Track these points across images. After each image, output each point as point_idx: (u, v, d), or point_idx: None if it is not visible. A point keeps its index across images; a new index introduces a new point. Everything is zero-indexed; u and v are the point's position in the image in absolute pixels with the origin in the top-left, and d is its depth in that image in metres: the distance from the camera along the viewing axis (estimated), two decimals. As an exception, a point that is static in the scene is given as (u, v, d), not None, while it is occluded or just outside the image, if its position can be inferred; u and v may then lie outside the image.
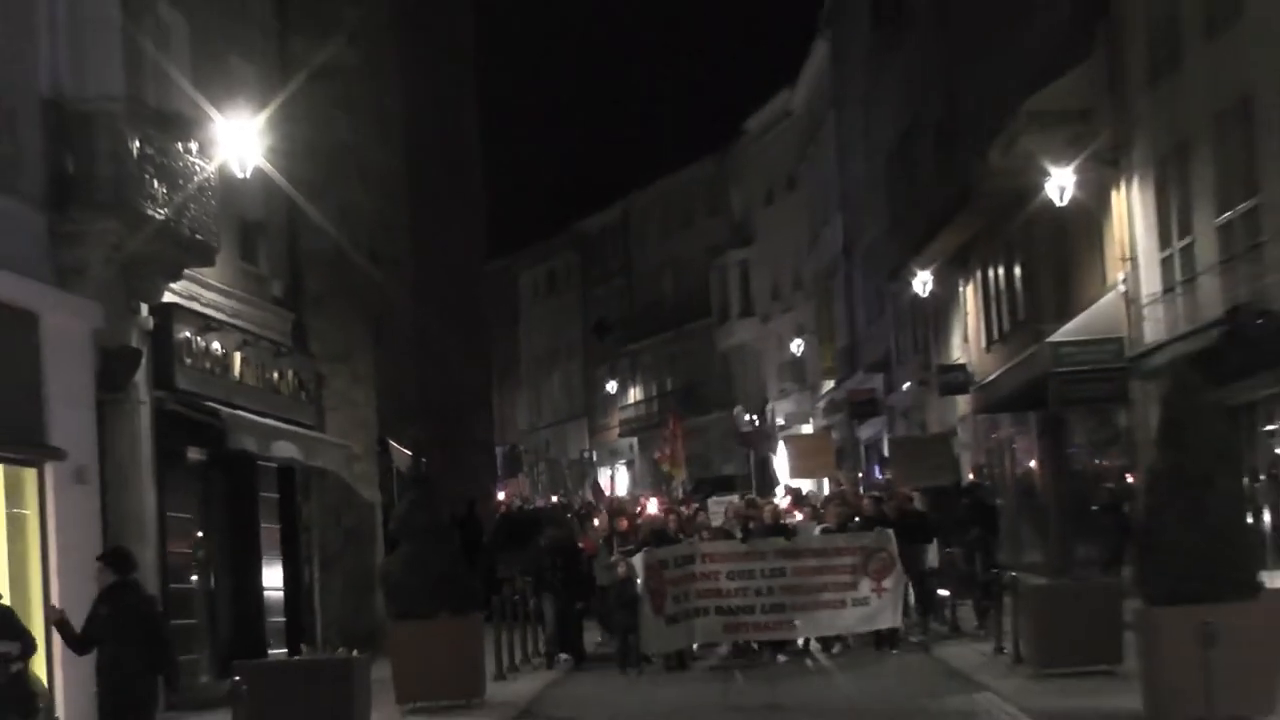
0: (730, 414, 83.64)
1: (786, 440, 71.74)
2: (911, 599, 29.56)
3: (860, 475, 58.82)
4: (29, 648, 14.96)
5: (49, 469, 21.17)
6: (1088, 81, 37.93)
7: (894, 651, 26.98)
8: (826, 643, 27.64)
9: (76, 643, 14.93)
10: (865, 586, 26.77)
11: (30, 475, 21.02)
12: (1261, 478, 31.02)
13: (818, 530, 30.43)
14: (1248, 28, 29.65)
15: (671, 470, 78.31)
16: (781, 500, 43.46)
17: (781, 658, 27.31)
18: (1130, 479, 33.90)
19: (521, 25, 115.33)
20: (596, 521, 37.14)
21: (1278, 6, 27.75)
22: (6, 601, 15.39)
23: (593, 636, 31.16)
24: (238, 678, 17.89)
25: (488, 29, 64.24)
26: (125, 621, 14.37)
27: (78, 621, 15.16)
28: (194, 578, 26.77)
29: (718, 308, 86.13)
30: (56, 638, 16.18)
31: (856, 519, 30.63)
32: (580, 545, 31.57)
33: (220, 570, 28.34)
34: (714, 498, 48.37)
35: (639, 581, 26.75)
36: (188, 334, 26.07)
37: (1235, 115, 30.77)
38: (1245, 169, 30.59)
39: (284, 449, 29.59)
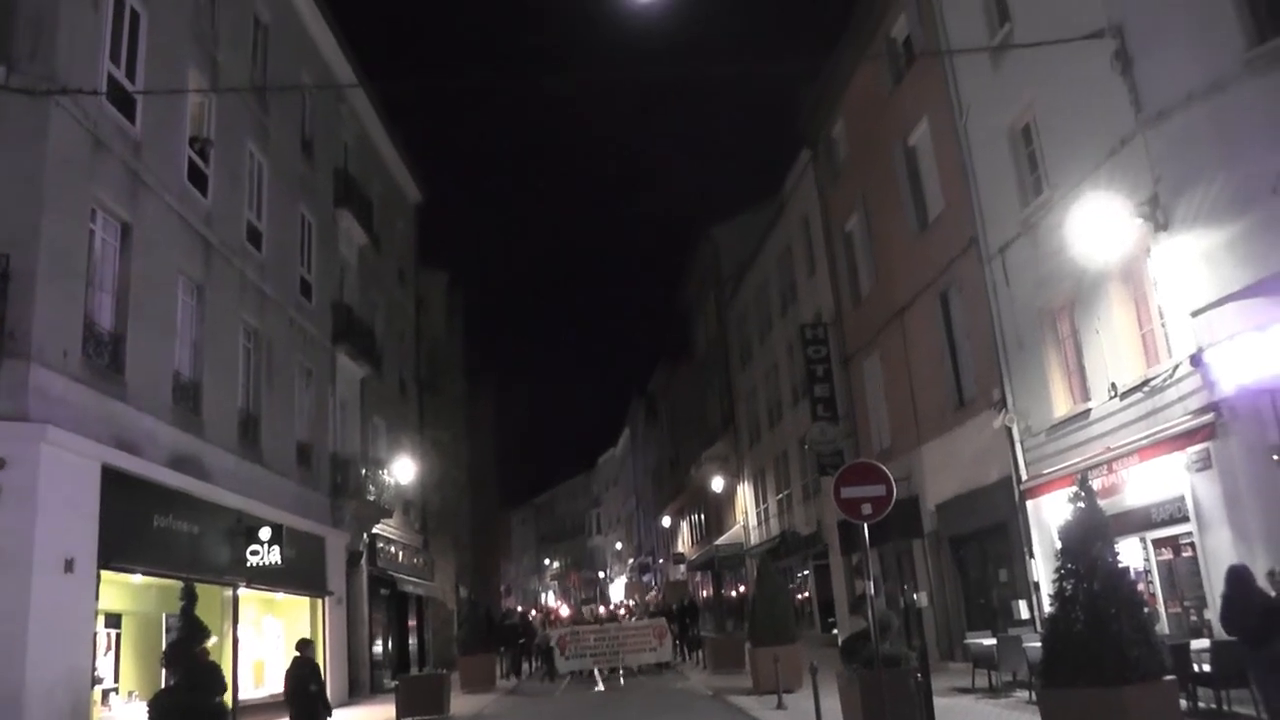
0: (595, 572, 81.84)
1: (621, 584, 70.46)
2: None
3: (647, 596, 57.64)
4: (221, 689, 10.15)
5: (326, 599, 20.76)
6: (726, 444, 39.09)
7: (665, 670, 25.72)
8: (639, 668, 25.55)
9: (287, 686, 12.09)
10: (655, 642, 25.19)
11: (320, 601, 20.55)
12: (798, 596, 31.37)
13: (633, 619, 29.85)
14: (784, 428, 30.99)
15: (576, 589, 78.22)
16: (617, 608, 42.81)
17: (620, 674, 25.69)
18: (745, 597, 33.99)
19: (513, 417, 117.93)
20: (533, 614, 36.39)
21: (795, 421, 29.13)
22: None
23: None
24: (398, 681, 17.57)
25: (502, 420, 63.68)
26: (303, 675, 11.90)
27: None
28: (380, 641, 25.84)
29: (588, 531, 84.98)
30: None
31: (649, 613, 30.47)
32: (529, 627, 30.84)
33: (392, 638, 27.31)
34: (587, 605, 47.62)
35: (553, 644, 25.74)
36: (381, 545, 25.57)
37: (780, 460, 31.93)
38: (784, 478, 31.53)
39: (418, 589, 28.93)
